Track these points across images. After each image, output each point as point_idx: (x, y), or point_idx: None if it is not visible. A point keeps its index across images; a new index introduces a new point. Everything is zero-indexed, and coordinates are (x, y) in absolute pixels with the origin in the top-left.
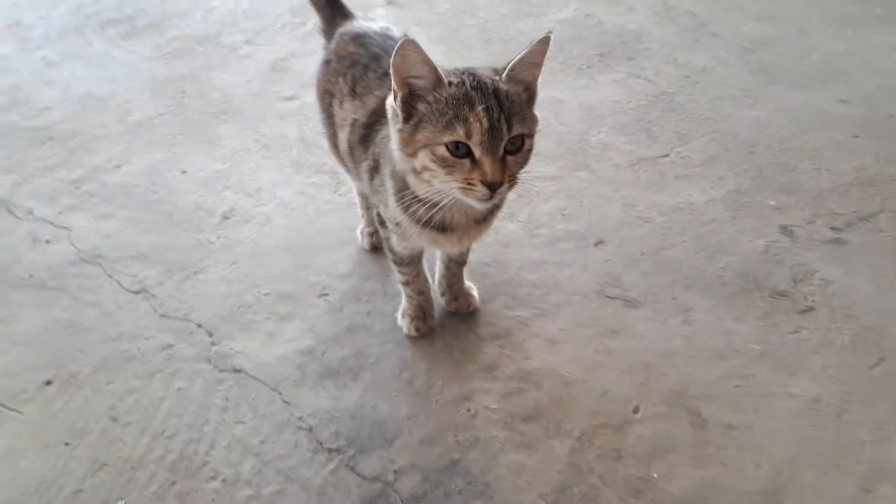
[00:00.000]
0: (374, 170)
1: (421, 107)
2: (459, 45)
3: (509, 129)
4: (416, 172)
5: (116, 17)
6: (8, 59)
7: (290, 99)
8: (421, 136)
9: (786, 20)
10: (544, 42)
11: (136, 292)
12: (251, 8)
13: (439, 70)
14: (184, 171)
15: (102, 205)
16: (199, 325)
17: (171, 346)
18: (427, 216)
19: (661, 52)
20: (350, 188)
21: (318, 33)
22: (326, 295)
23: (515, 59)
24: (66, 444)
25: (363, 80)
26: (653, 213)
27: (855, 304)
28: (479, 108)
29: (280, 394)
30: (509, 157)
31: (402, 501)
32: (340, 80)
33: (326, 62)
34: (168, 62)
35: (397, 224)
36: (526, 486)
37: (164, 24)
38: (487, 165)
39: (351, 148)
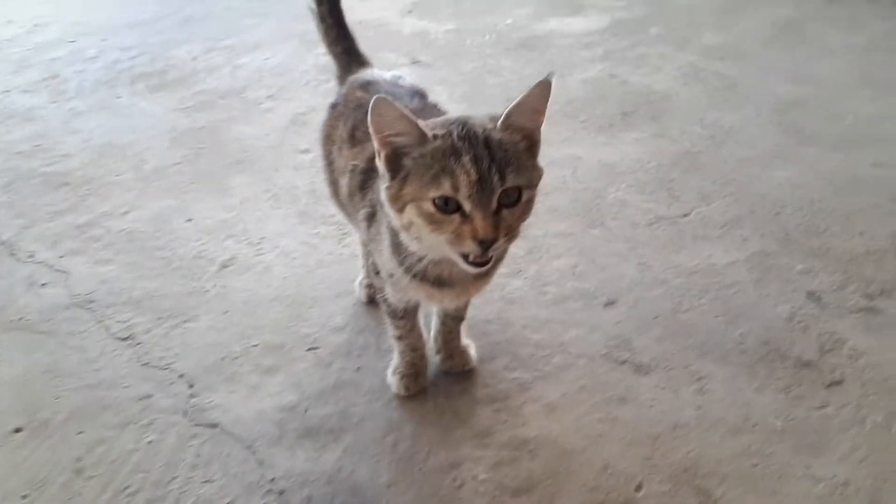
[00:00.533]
0: (371, 217)
1: (407, 162)
2: (482, 103)
3: (502, 180)
4: (405, 228)
5: (148, 72)
6: (38, 109)
7: (305, 152)
8: (407, 191)
9: (821, 82)
10: (544, 86)
11: (123, 339)
12: (279, 64)
13: (420, 124)
14: (189, 219)
15: (103, 250)
16: (181, 376)
17: (149, 396)
18: (422, 270)
19: (687, 111)
20: (354, 239)
21: (334, 75)
22: (316, 348)
23: (512, 105)
24: (24, 496)
25: (363, 126)
26: (669, 274)
27: (890, 378)
28: (466, 158)
29: (254, 452)
30: (504, 211)
31: None
32: (341, 124)
33: (334, 106)
34: (190, 114)
35: (391, 275)
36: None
37: (193, 78)
38: (478, 220)
39: (351, 194)
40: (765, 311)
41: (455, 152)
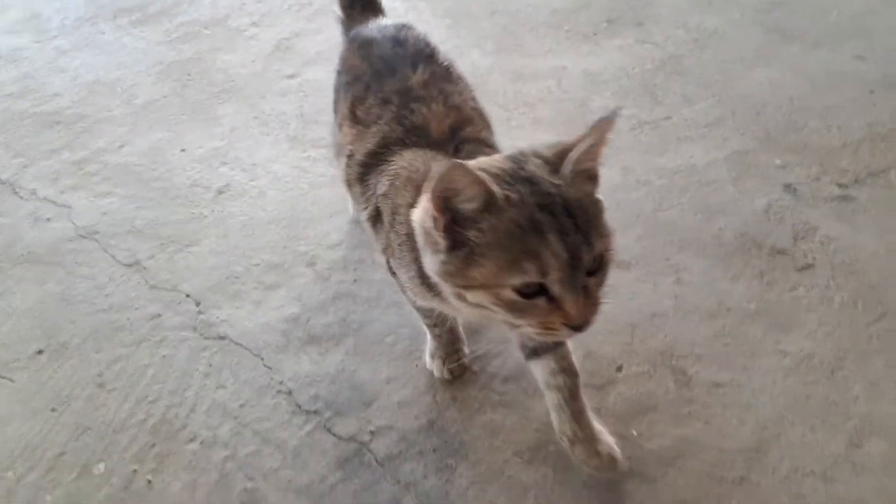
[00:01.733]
0: (376, 219)
1: (472, 235)
2: (465, 18)
3: (591, 250)
4: (464, 302)
5: (129, 6)
6: (23, 50)
7: (291, 77)
8: (476, 274)
9: None
10: (608, 123)
11: (129, 265)
12: None
13: (493, 187)
14: (183, 150)
15: (102, 183)
16: (188, 296)
17: (158, 315)
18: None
19: (670, 16)
20: None
21: (336, 17)
22: (314, 264)
23: (576, 151)
24: (53, 409)
25: (364, 103)
26: (652, 175)
27: (858, 261)
28: (553, 236)
29: (262, 359)
30: (591, 281)
31: (376, 461)
32: (342, 95)
33: (339, 73)
34: (175, 46)
35: (415, 296)
36: (501, 446)
37: (175, 9)
38: (570, 304)
39: (348, 181)
40: (742, 205)
41: (536, 227)
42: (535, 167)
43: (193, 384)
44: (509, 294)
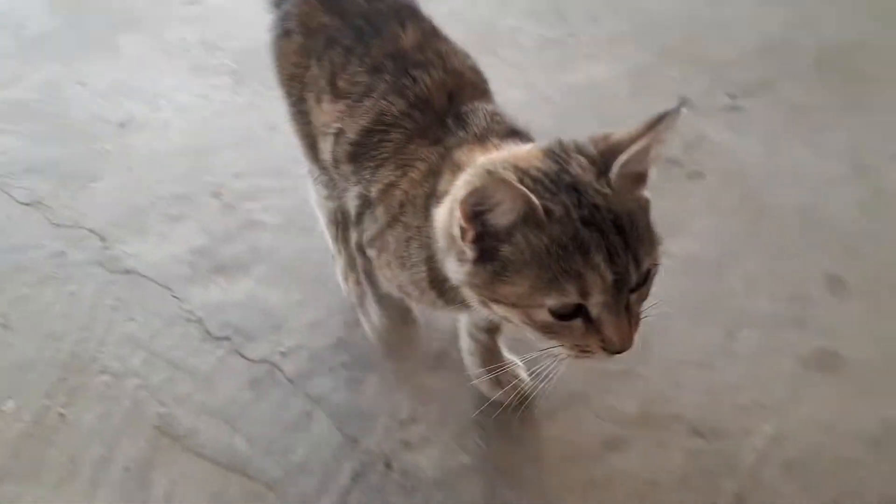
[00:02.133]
0: (365, 205)
1: (505, 249)
2: None
3: (638, 267)
4: (489, 309)
5: None
6: None
7: (191, 3)
8: (507, 291)
9: None
10: (670, 121)
11: (29, 204)
12: None
13: (534, 200)
14: (81, 83)
15: None
16: (92, 231)
17: (63, 253)
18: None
19: None
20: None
21: None
22: (221, 194)
23: (627, 154)
24: None
25: (346, 71)
26: (555, 93)
27: (743, 167)
28: (599, 258)
29: (171, 290)
30: (632, 297)
31: (287, 379)
32: (314, 65)
33: (286, 34)
34: None
35: (400, 289)
36: (407, 356)
37: None
38: (611, 328)
39: (335, 161)
40: (638, 118)
41: (580, 246)
42: (579, 169)
43: (102, 318)
44: (543, 315)
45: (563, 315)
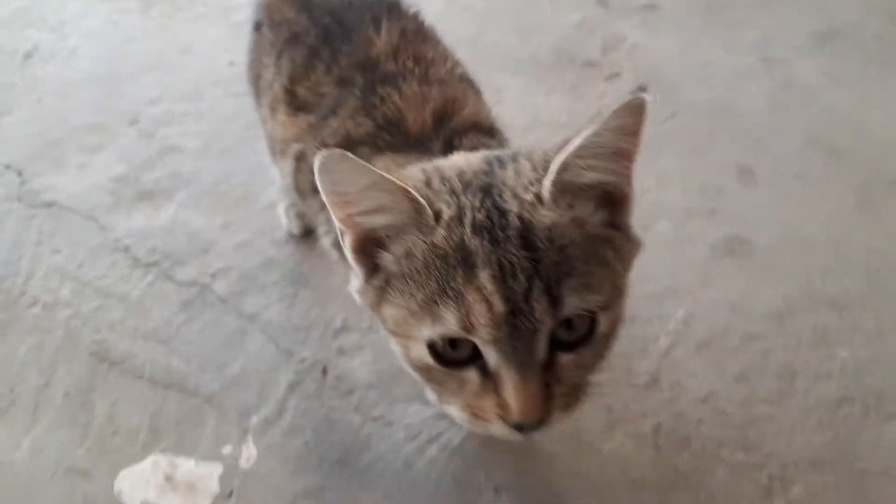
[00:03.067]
0: (340, 245)
1: (386, 261)
2: None
3: (555, 306)
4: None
5: None
6: None
7: None
8: (388, 314)
9: None
10: (633, 110)
11: None
12: None
13: (414, 195)
14: None
15: None
16: (8, 167)
17: None
18: None
19: None
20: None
21: None
22: (137, 121)
23: (568, 150)
24: None
25: (308, 79)
26: (476, 1)
27: (659, 65)
28: (485, 275)
29: (95, 220)
30: (563, 358)
31: (218, 299)
32: (272, 66)
33: (257, 27)
34: None
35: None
36: (338, 270)
37: None
38: (510, 387)
39: (300, 191)
40: (558, 23)
41: (466, 259)
42: (511, 172)
43: (26, 252)
44: (421, 352)
45: (451, 360)
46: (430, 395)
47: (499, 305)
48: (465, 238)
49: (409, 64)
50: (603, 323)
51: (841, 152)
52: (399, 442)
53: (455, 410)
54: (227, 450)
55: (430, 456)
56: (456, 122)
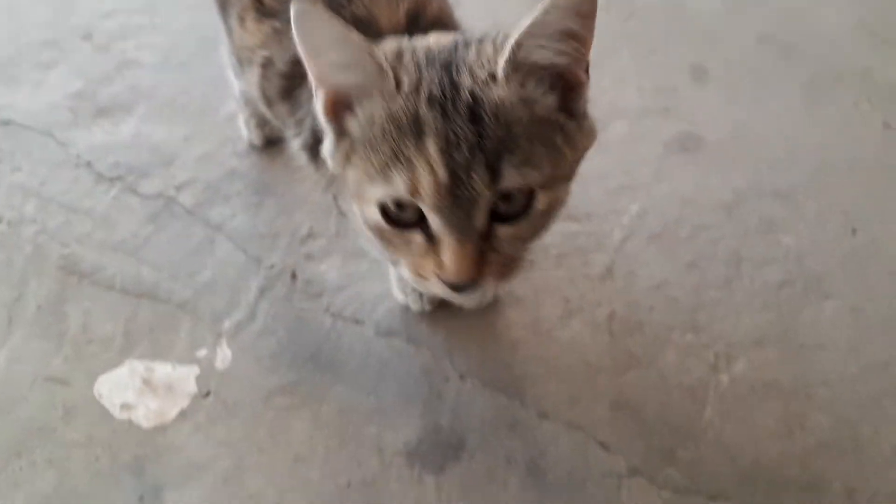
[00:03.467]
0: (314, 148)
1: (352, 124)
2: None
3: (495, 179)
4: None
5: None
6: None
7: None
8: (350, 177)
9: None
10: None
11: None
12: None
13: (377, 53)
14: None
15: None
16: None
17: None
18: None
19: None
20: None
21: None
22: (91, 36)
23: (520, 29)
24: None
25: None
26: None
27: None
28: (432, 141)
29: (54, 137)
30: (501, 229)
31: (185, 210)
32: None
33: None
34: None
35: (370, 240)
36: (303, 179)
37: None
38: (448, 248)
39: (267, 100)
40: None
41: (418, 127)
42: (473, 53)
43: None
44: (374, 213)
45: (399, 221)
46: (381, 253)
47: (442, 174)
48: (420, 108)
49: None
50: (541, 200)
51: (791, 49)
52: (369, 338)
53: (403, 269)
54: (202, 353)
55: (398, 348)
56: (423, 21)
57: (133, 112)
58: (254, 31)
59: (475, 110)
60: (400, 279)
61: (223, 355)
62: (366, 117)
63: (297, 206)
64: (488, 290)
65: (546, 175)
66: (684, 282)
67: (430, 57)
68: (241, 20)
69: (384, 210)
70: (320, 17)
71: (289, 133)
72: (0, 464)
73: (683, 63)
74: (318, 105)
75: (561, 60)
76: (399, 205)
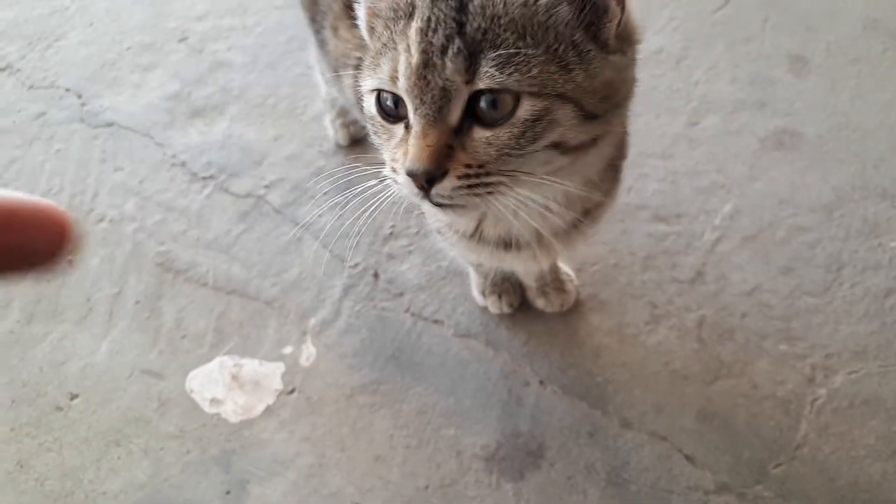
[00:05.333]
0: None
1: (376, 24)
2: None
3: (471, 72)
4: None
5: None
6: None
7: None
8: (364, 75)
9: None
10: None
11: (1, 70)
12: None
13: None
14: None
15: None
16: (68, 90)
17: (43, 113)
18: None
19: None
20: None
21: None
22: (186, 38)
23: None
24: None
25: None
26: None
27: None
28: (414, 25)
29: (152, 138)
30: (477, 131)
31: (273, 209)
32: None
33: None
34: None
35: (439, 232)
36: None
37: None
38: (412, 137)
39: (359, 100)
40: None
41: (408, 13)
42: None
43: (92, 171)
44: (371, 104)
45: (389, 113)
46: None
47: (415, 56)
48: None
49: None
50: (526, 107)
51: None
52: (448, 338)
53: (385, 169)
54: (287, 350)
55: (477, 350)
56: None
57: (225, 113)
58: (348, 38)
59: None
60: (479, 280)
61: (308, 353)
62: (379, 14)
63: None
64: (450, 194)
65: (536, 82)
66: (779, 287)
67: None
68: (335, 30)
69: (378, 101)
70: None
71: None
72: (100, 451)
73: (781, 53)
74: (361, 18)
75: None
76: (392, 98)
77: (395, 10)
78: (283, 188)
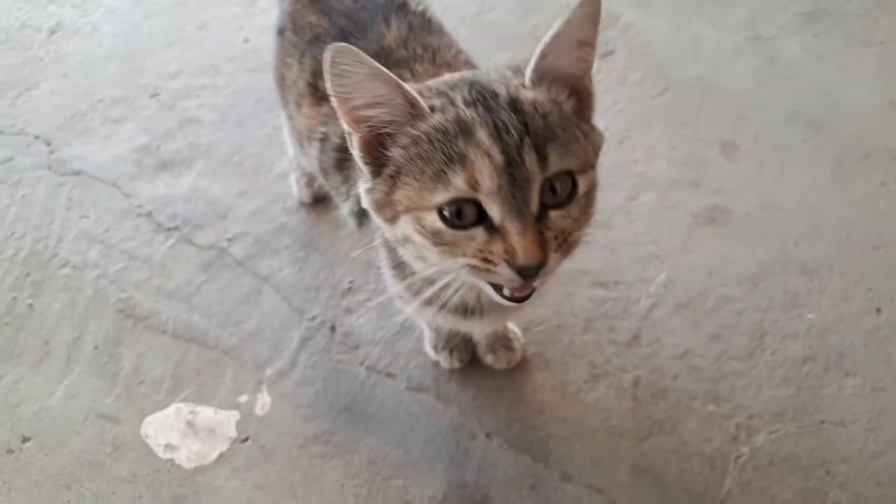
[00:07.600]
0: (362, 215)
1: (394, 153)
2: None
3: (543, 162)
4: (401, 244)
5: None
6: None
7: None
8: (400, 196)
9: None
10: (590, 5)
11: None
12: None
13: (407, 89)
14: None
15: None
16: (37, 137)
17: (10, 158)
18: (438, 298)
19: None
20: None
21: None
22: (158, 94)
23: (545, 41)
24: None
25: None
26: None
27: (651, 43)
28: (483, 132)
29: (119, 188)
30: (553, 213)
31: (235, 261)
32: (295, 65)
33: (280, 31)
34: None
35: (401, 298)
36: (346, 236)
37: None
38: (514, 234)
39: (324, 172)
40: (556, 1)
41: (464, 128)
42: (495, 76)
43: (57, 217)
44: (436, 221)
45: (459, 224)
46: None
47: (497, 156)
48: (461, 112)
49: (419, 50)
50: (582, 184)
51: (819, 126)
52: (401, 391)
53: (465, 268)
54: (243, 398)
55: (427, 404)
56: None
57: (192, 167)
58: (311, 116)
59: (515, 105)
60: (432, 336)
61: (263, 402)
62: (409, 142)
63: (340, 261)
64: (552, 269)
65: (581, 161)
66: (708, 352)
67: (450, 84)
68: (298, 106)
69: (442, 215)
70: (355, 56)
71: (340, 199)
72: (50, 495)
73: (714, 137)
74: (355, 147)
75: (577, 69)
76: (458, 208)
77: (443, 132)
78: (246, 241)
